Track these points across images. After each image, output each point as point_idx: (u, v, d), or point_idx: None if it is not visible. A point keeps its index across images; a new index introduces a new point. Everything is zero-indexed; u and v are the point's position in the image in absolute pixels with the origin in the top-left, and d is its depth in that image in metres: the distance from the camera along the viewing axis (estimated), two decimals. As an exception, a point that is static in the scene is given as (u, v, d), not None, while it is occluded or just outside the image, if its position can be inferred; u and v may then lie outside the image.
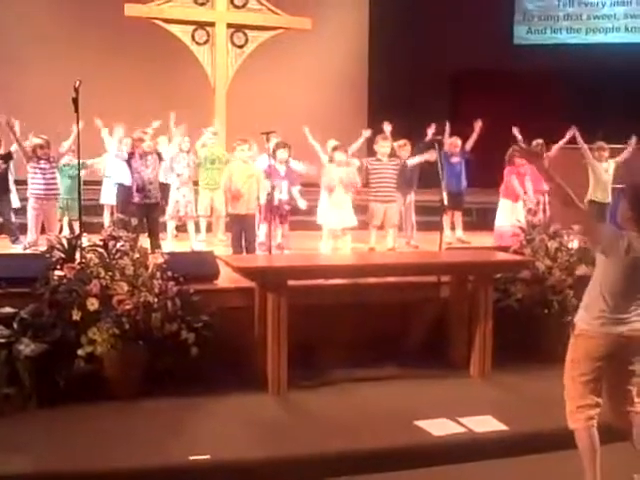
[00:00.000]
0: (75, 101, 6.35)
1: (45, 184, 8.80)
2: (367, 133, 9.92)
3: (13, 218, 9.52)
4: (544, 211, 10.34)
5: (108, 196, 10.49)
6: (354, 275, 6.59)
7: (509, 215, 9.36)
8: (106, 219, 10.44)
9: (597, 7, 16.94)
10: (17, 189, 9.73)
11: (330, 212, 8.90)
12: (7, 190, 9.45)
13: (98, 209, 10.66)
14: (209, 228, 10.45)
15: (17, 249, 8.85)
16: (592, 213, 4.48)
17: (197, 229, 10.06)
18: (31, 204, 8.85)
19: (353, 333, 6.39)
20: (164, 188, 10.12)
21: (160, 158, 8.80)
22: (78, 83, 6.36)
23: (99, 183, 10.71)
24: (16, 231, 9.38)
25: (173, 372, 5.69)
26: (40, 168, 8.76)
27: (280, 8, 11.12)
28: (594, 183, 10.17)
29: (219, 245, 9.83)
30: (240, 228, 8.45)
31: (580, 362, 4.21)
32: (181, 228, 10.10)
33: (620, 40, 16.67)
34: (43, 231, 8.78)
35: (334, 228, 8.98)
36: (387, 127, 10.02)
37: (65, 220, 10.11)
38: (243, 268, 5.96)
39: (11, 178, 9.64)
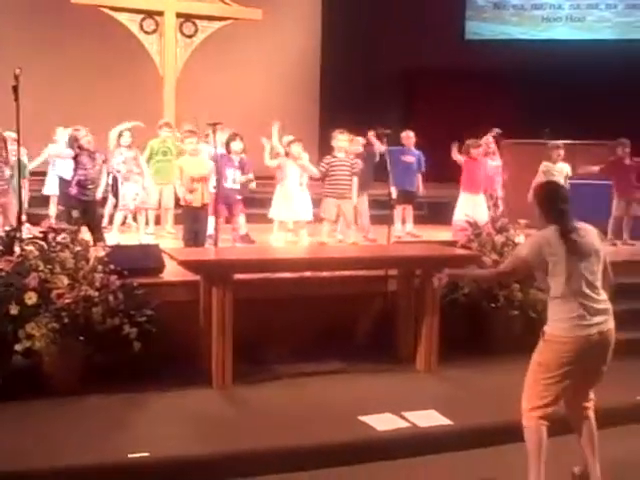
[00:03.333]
0: (15, 89, 6.18)
1: None
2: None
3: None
4: (496, 206, 10.41)
5: (52, 187, 10.32)
6: (300, 269, 6.51)
7: (469, 208, 9.33)
8: (52, 211, 10.28)
9: (547, 3, 17.14)
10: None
11: (284, 205, 8.85)
12: None
13: (45, 200, 10.48)
14: (157, 220, 10.32)
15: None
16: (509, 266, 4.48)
17: (146, 222, 9.92)
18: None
19: (300, 327, 6.34)
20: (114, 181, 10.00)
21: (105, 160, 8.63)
22: (19, 71, 6.22)
23: (44, 174, 10.53)
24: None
25: (115, 367, 5.57)
26: None
27: (231, -1, 11.00)
28: None
29: (168, 237, 9.73)
30: (192, 221, 8.32)
31: (548, 366, 4.16)
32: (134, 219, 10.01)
33: (569, 37, 16.88)
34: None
35: (286, 221, 8.94)
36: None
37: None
38: (187, 261, 5.87)
39: None
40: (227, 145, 8.53)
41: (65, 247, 5.66)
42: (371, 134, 10.25)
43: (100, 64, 13.35)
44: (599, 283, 4.21)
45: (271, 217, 9.18)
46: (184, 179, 8.20)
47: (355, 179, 9.27)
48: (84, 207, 8.03)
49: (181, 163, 8.54)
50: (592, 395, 4.39)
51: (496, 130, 10.39)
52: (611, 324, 4.21)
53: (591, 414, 4.38)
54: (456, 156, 9.78)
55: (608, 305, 4.23)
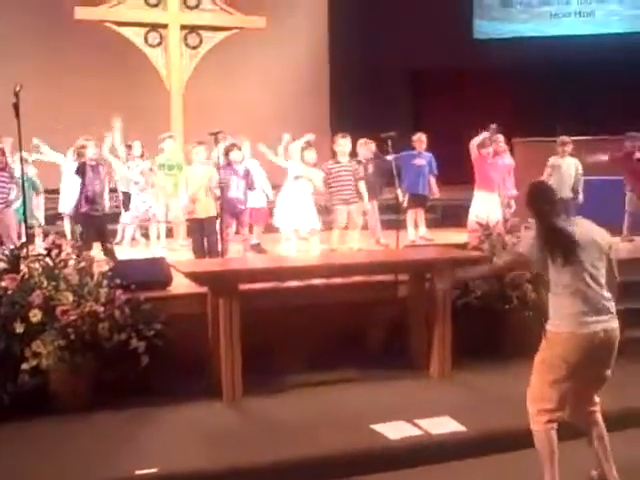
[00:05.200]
0: (16, 106, 6.16)
1: None
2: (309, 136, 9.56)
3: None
4: (509, 206, 10.26)
5: (66, 205, 10.32)
6: (306, 276, 6.43)
7: (482, 207, 9.20)
8: (66, 228, 10.28)
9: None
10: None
11: (292, 214, 8.78)
12: None
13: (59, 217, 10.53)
14: (170, 234, 10.30)
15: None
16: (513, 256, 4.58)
17: (158, 235, 9.92)
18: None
19: (311, 336, 6.24)
20: (126, 196, 10.03)
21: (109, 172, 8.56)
22: (19, 87, 6.20)
23: (59, 192, 10.56)
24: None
25: (124, 383, 5.51)
26: None
27: (235, 8, 10.91)
28: (556, 179, 9.96)
29: (181, 250, 9.68)
30: (201, 233, 8.25)
31: (552, 365, 4.10)
32: (145, 235, 10.03)
33: (579, 32, 16.75)
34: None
35: (298, 230, 8.87)
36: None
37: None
38: (192, 273, 5.81)
39: None
40: (226, 155, 8.42)
41: (69, 263, 5.62)
42: (372, 147, 10.11)
43: (107, 78, 13.34)
44: (603, 279, 4.11)
45: (279, 226, 9.06)
46: (189, 189, 8.15)
47: (362, 183, 9.15)
48: (95, 222, 7.99)
49: (187, 173, 8.49)
50: (597, 399, 4.29)
51: (492, 126, 10.22)
52: (615, 324, 4.12)
53: (599, 417, 4.28)
54: (473, 148, 9.60)
55: (612, 304, 4.14)
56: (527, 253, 4.24)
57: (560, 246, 4.06)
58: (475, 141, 9.52)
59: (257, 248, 9.24)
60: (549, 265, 4.12)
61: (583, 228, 4.16)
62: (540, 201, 4.22)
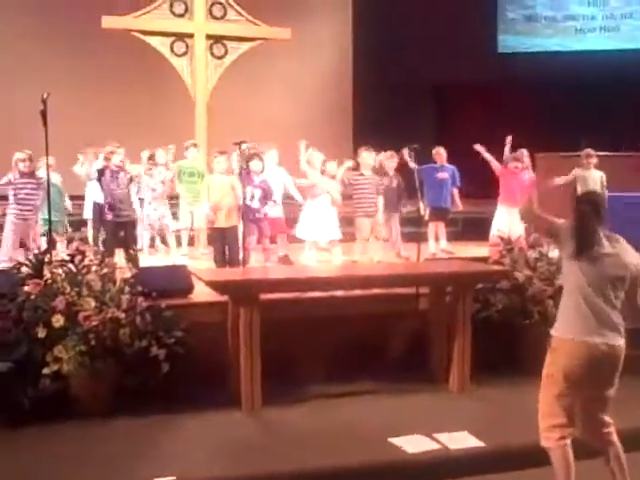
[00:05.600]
0: (43, 114, 6.21)
1: (25, 200, 8.65)
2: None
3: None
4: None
5: (88, 211, 10.44)
6: (327, 288, 6.43)
7: (504, 221, 9.18)
8: (90, 234, 10.38)
9: (580, 14, 16.98)
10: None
11: (314, 225, 8.80)
12: None
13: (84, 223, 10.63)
14: (191, 242, 10.34)
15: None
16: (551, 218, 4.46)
17: (179, 243, 9.96)
18: (11, 219, 8.67)
19: (330, 347, 6.25)
20: (141, 202, 10.11)
21: (131, 178, 8.58)
22: (46, 95, 6.24)
23: (84, 198, 10.67)
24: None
25: (144, 390, 5.53)
26: (22, 184, 8.60)
27: (260, 19, 10.99)
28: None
29: (202, 259, 9.71)
30: (222, 242, 8.28)
31: (558, 377, 4.08)
32: (165, 241, 10.09)
33: (604, 47, 16.70)
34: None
35: (318, 241, 8.90)
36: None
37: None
38: (213, 282, 5.83)
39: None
40: (247, 163, 8.47)
41: (92, 269, 5.66)
42: (405, 151, 10.14)
43: (131, 87, 13.49)
44: (618, 302, 4.08)
45: (300, 237, 9.09)
46: (210, 199, 8.20)
47: (380, 198, 9.16)
48: (118, 229, 8.03)
49: (208, 182, 8.54)
50: (610, 420, 4.24)
51: (508, 138, 10.23)
52: (620, 341, 4.09)
53: (614, 438, 4.23)
54: (495, 162, 9.59)
55: (620, 322, 4.10)
56: (561, 226, 4.24)
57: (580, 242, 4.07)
58: (488, 156, 9.57)
59: (285, 260, 9.22)
60: (566, 268, 4.16)
61: (619, 246, 4.14)
62: (590, 205, 4.20)
